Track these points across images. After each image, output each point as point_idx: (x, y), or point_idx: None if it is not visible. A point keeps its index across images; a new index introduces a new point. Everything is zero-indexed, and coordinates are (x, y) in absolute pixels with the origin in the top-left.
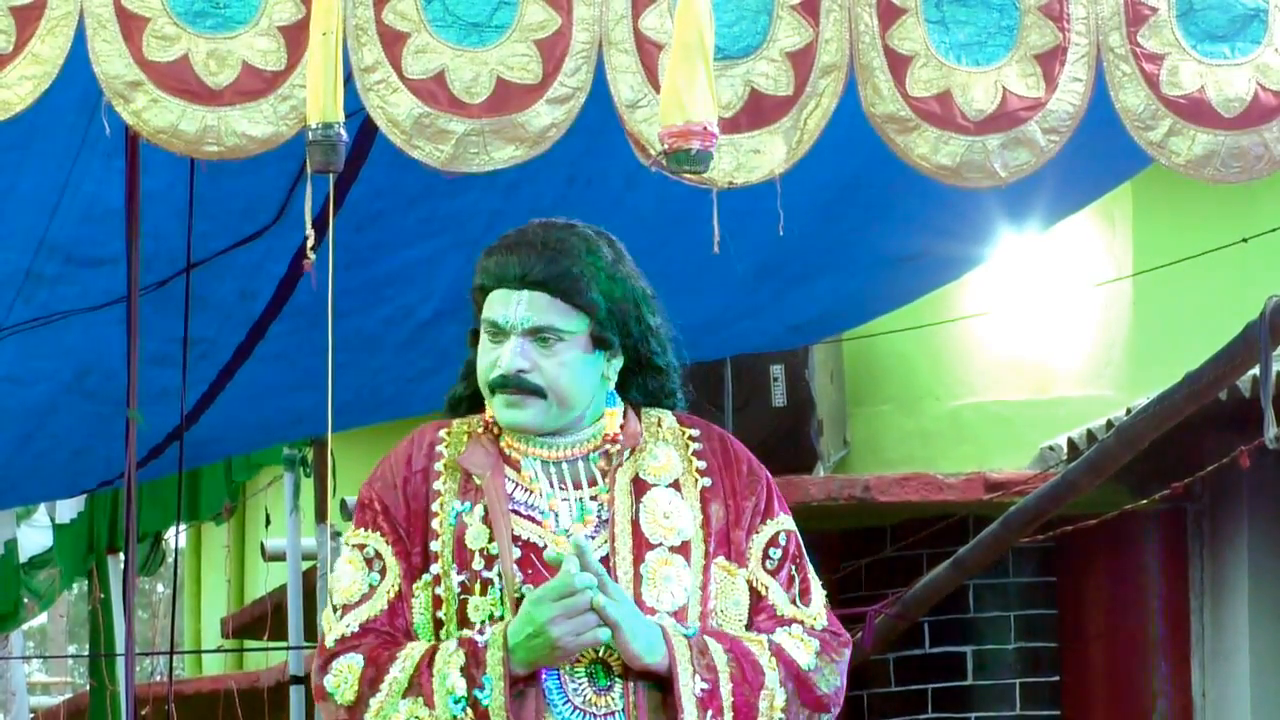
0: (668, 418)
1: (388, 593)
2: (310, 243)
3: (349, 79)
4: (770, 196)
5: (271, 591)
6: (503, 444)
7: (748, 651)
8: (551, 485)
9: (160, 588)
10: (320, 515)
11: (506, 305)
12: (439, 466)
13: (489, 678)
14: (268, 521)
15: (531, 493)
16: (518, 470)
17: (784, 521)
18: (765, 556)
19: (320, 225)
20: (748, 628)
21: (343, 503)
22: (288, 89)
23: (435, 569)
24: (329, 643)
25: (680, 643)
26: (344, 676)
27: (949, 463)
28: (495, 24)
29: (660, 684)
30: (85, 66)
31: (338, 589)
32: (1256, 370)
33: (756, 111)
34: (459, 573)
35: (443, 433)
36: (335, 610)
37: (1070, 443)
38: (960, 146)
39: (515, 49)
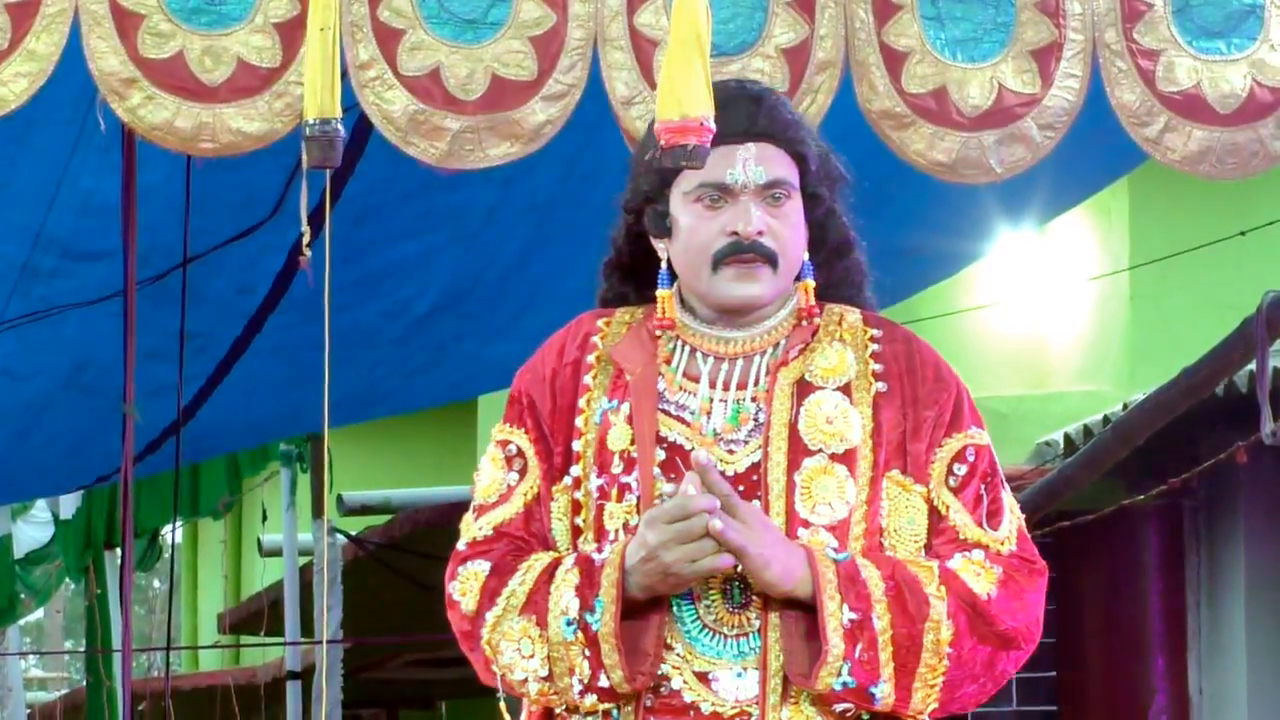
0: (852, 314)
1: (525, 495)
2: (306, 239)
3: (344, 75)
4: None
5: (268, 587)
6: (667, 335)
7: (912, 579)
8: (713, 385)
9: (157, 583)
10: (317, 511)
11: (732, 162)
12: (591, 359)
13: (601, 600)
14: (264, 517)
15: (685, 391)
16: (673, 365)
17: (975, 435)
18: (949, 473)
19: (317, 220)
20: (926, 550)
21: (339, 498)
22: (282, 86)
23: (575, 471)
24: (460, 545)
25: (827, 567)
26: (469, 584)
27: None
28: (490, 21)
29: (808, 610)
30: (81, 63)
31: (478, 488)
32: (1253, 366)
33: None
34: (598, 476)
35: (601, 322)
36: (472, 511)
37: (1067, 438)
38: (956, 142)
39: (510, 46)
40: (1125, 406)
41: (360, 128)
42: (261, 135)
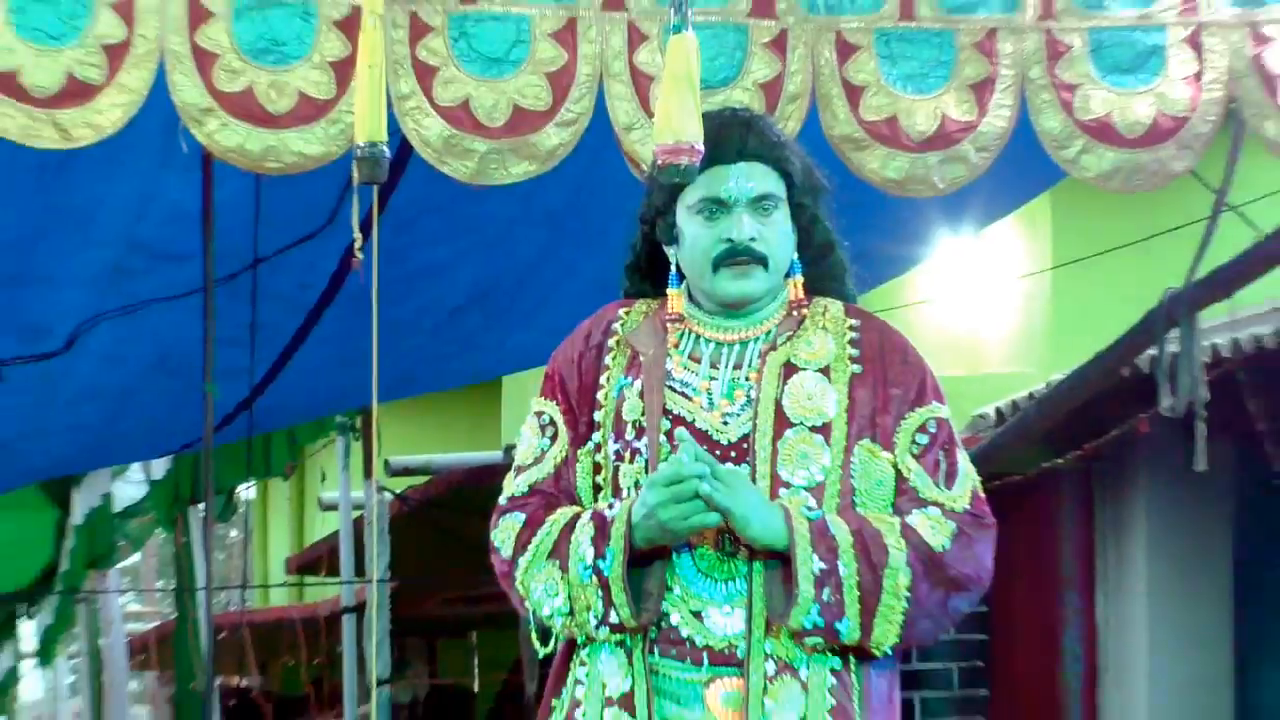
0: (835, 307)
1: (555, 458)
2: (358, 244)
3: (389, 105)
4: None
5: (326, 536)
6: (674, 326)
7: (876, 532)
8: (713, 366)
9: (234, 533)
10: (367, 473)
11: (726, 180)
12: (611, 343)
13: (611, 549)
14: (323, 478)
15: (689, 371)
16: (680, 348)
17: (936, 409)
18: (912, 442)
19: (366, 228)
20: (892, 508)
21: (386, 462)
22: (337, 114)
23: (596, 438)
24: (502, 500)
25: (801, 524)
26: (506, 533)
27: None
28: (512, 59)
29: (786, 560)
30: (166, 95)
31: (518, 450)
32: (1154, 350)
33: None
34: (615, 442)
35: (622, 311)
36: (514, 471)
37: (998, 411)
38: (905, 163)
39: (529, 80)
40: (1047, 385)
41: (402, 150)
42: (319, 156)
